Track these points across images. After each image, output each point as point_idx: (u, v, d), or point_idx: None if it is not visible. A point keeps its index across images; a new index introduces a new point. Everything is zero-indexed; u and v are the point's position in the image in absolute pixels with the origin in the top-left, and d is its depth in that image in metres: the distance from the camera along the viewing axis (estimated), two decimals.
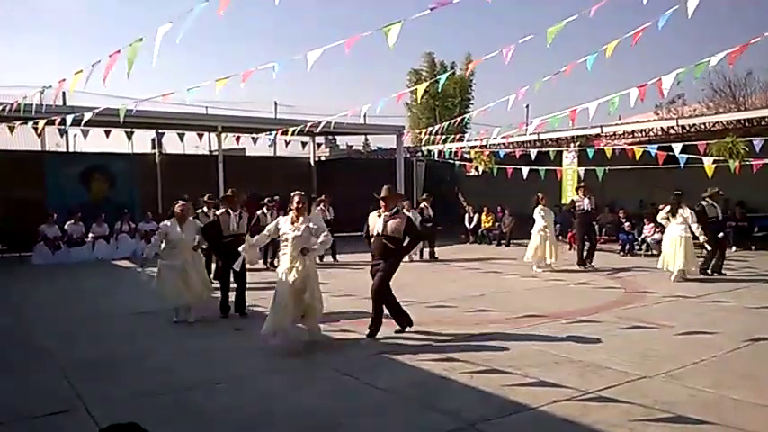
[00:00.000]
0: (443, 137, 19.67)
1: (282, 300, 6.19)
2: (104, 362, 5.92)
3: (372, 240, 6.99)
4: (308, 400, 4.89)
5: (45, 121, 12.53)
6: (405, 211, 13.88)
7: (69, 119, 11.47)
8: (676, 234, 10.64)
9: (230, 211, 8.61)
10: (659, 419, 4.21)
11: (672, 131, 15.50)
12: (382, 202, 7.05)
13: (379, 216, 6.98)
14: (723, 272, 11.17)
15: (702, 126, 14.88)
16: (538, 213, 12.23)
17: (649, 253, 14.37)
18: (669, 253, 10.75)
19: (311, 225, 6.48)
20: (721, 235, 11.42)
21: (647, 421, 4.18)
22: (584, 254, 12.41)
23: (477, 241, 18.39)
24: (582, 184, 13.65)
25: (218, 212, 8.82)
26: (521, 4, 59.28)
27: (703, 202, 11.40)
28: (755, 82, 27.19)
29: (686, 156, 13.11)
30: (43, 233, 14.67)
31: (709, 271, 11.11)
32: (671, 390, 4.83)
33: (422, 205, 14.61)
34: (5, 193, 15.38)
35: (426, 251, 14.39)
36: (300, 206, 6.51)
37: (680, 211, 10.75)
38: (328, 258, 14.16)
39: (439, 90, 25.70)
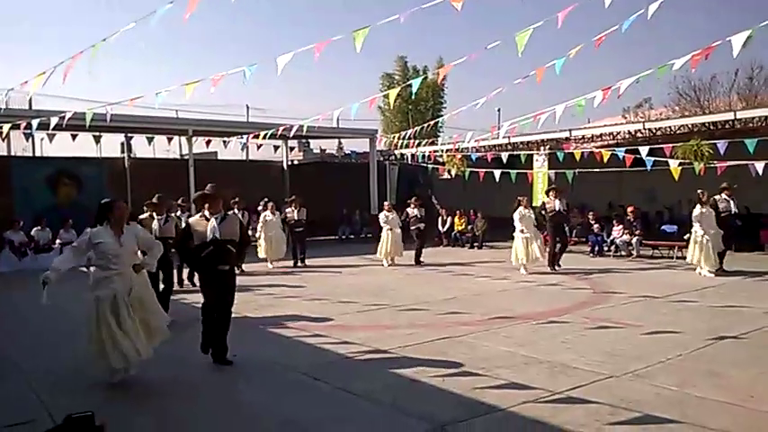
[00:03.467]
0: (417, 141, 19.79)
1: (118, 328, 5.19)
2: (72, 372, 5.80)
3: (209, 249, 5.74)
4: (282, 405, 4.88)
5: (10, 125, 12.30)
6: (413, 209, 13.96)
7: (35, 123, 11.29)
8: (693, 233, 11.37)
9: (154, 215, 8.87)
10: (626, 419, 4.30)
11: (639, 134, 15.81)
12: (207, 203, 5.89)
13: (207, 219, 5.83)
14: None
15: (668, 129, 15.20)
16: (517, 217, 12.23)
17: (618, 254, 14.63)
18: (691, 249, 11.49)
19: (138, 235, 5.65)
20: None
21: (615, 423, 4.25)
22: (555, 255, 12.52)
23: (451, 244, 18.50)
24: (552, 186, 13.80)
25: (141, 216, 8.86)
26: (492, 8, 59.86)
27: (716, 197, 11.66)
28: (719, 86, 27.88)
29: (653, 158, 13.39)
30: (8, 239, 14.36)
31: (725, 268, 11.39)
32: (637, 388, 4.93)
33: (408, 209, 14.54)
34: None
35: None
36: (121, 214, 5.42)
37: (694, 210, 11.35)
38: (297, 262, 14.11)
39: (412, 95, 25.85)
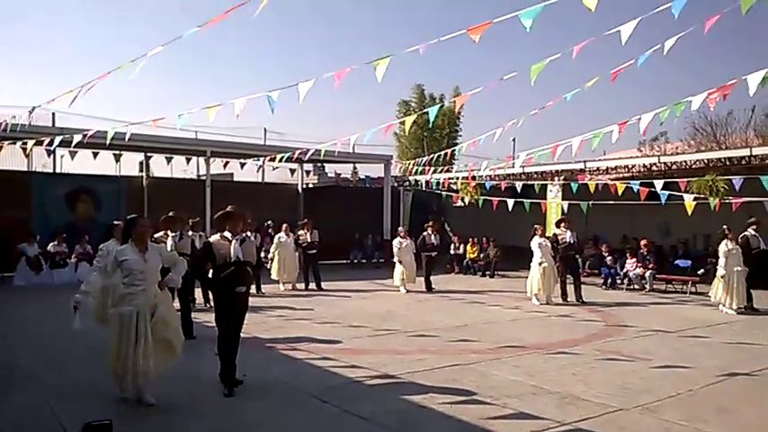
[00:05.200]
0: (432, 169, 19.89)
1: (136, 345, 5.18)
2: (86, 385, 5.87)
3: (229, 270, 5.67)
4: (288, 426, 4.91)
5: (33, 141, 12.58)
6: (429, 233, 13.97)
7: (58, 140, 11.53)
8: (719, 269, 11.00)
9: (168, 232, 8.84)
10: None
11: (654, 168, 15.79)
12: (230, 222, 5.86)
13: (229, 241, 5.75)
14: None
15: (684, 164, 15.18)
16: (536, 245, 12.17)
17: (631, 287, 14.53)
18: (715, 286, 11.14)
19: (162, 253, 5.72)
20: None
21: None
22: (568, 287, 12.43)
23: (462, 272, 18.48)
24: (563, 217, 13.80)
25: (156, 235, 8.68)
26: (509, 39, 60.47)
27: (747, 233, 11.43)
28: (736, 122, 27.81)
29: (668, 192, 13.36)
30: (23, 252, 14.52)
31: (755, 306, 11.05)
32: (646, 422, 4.90)
33: (425, 234, 14.55)
34: None
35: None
36: (144, 231, 5.46)
37: (720, 246, 11.02)
38: (312, 286, 14.14)
39: (431, 124, 26.06)
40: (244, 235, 6.00)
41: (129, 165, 21.56)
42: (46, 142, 12.33)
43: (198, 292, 11.13)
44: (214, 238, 5.96)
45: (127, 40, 72.10)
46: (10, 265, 14.65)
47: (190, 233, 10.51)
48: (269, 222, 14.99)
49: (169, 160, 19.75)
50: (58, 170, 19.43)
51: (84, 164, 18.42)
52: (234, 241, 5.76)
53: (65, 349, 7.50)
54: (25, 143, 12.76)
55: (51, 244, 15.13)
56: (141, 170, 20.69)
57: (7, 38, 65.45)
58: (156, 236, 8.86)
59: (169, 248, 8.47)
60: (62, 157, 19.05)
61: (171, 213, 9.20)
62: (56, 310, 10.90)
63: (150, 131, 14.16)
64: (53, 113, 16.77)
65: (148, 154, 19.67)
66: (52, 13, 70.26)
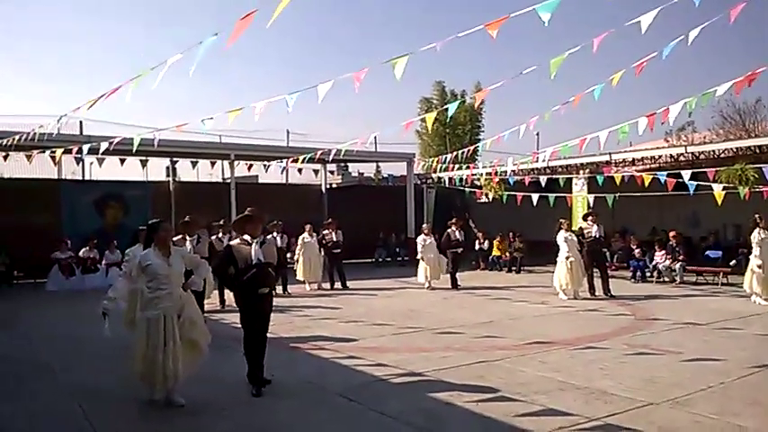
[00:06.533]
0: (457, 166, 19.80)
1: (164, 348, 5.26)
2: (114, 386, 5.99)
3: (251, 272, 5.73)
4: (315, 426, 4.95)
5: (62, 149, 12.85)
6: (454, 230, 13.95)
7: (86, 148, 11.76)
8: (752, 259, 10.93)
9: (187, 236, 8.95)
10: None
11: (681, 158, 15.49)
12: (249, 225, 5.92)
13: (249, 244, 5.83)
14: None
15: (712, 153, 14.87)
16: (562, 240, 12.06)
17: (660, 280, 14.31)
18: (747, 276, 11.06)
19: (185, 256, 5.83)
20: None
21: None
22: (595, 281, 12.29)
23: (488, 268, 18.39)
24: (590, 211, 13.64)
25: (175, 238, 8.80)
26: (529, 35, 59.94)
27: None
28: (765, 109, 27.13)
29: (696, 183, 13.12)
30: (56, 258, 14.84)
31: None
32: (676, 416, 4.82)
33: (449, 231, 14.49)
34: (22, 221, 15.65)
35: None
36: (166, 236, 5.55)
37: (752, 235, 10.94)
38: (337, 285, 14.21)
39: (448, 119, 25.92)
40: (265, 236, 6.06)
41: (156, 170, 21.88)
42: (74, 150, 12.59)
43: (228, 295, 11.30)
44: (235, 242, 6.02)
45: (158, 39, 73.09)
46: (43, 271, 15.01)
47: (220, 234, 10.60)
48: (279, 223, 15.07)
49: (194, 164, 19.99)
50: (86, 177, 19.78)
51: (112, 170, 18.74)
52: (254, 243, 5.83)
53: (97, 352, 7.61)
54: (54, 151, 13.03)
55: (83, 249, 15.45)
56: (168, 175, 20.97)
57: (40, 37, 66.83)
58: (174, 239, 8.98)
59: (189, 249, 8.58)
60: (91, 164, 19.35)
61: (187, 218, 9.31)
62: (87, 313, 11.16)
63: (175, 137, 14.35)
64: (80, 122, 17.08)
65: (174, 159, 19.93)
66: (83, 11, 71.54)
